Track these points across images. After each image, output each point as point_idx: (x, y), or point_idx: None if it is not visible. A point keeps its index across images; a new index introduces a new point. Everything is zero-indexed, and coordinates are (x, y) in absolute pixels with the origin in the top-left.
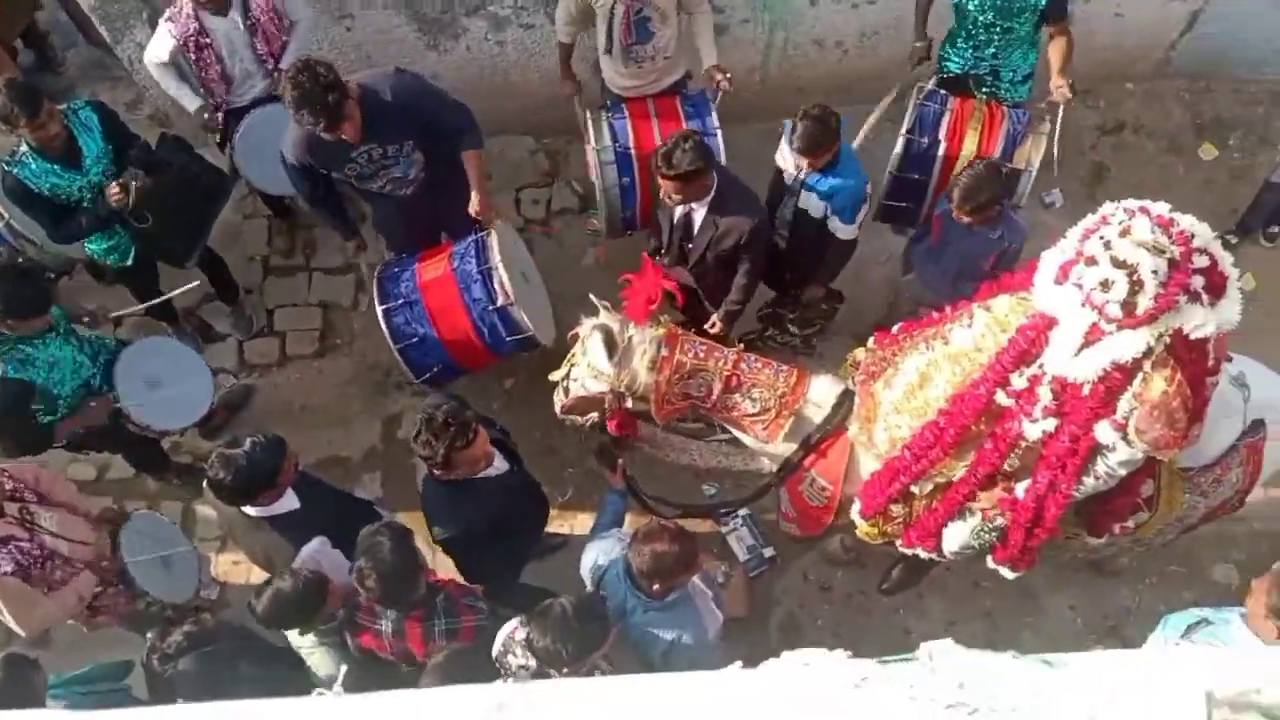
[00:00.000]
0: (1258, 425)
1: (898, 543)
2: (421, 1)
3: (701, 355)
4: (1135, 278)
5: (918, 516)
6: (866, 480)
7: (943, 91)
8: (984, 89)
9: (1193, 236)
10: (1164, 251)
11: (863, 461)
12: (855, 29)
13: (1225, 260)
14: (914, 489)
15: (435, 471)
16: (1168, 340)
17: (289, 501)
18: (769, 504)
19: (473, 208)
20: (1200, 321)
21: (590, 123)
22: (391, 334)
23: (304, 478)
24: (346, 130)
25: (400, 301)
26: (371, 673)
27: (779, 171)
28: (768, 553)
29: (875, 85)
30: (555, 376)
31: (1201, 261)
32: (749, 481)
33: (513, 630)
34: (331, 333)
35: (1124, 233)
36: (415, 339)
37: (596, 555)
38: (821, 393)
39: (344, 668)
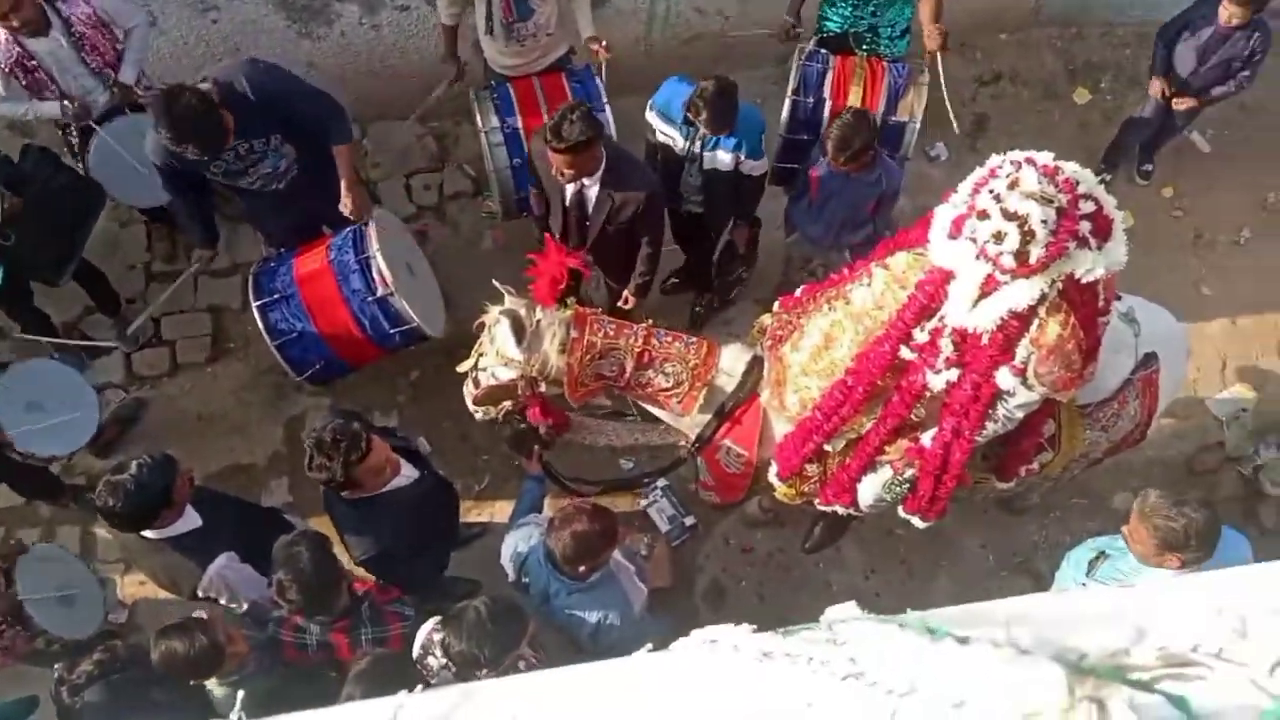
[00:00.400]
0: (1150, 358)
1: (815, 501)
2: None
3: (612, 334)
4: (1026, 228)
5: (832, 474)
6: (780, 443)
7: (823, 51)
8: (864, 46)
9: (1078, 183)
10: (1052, 200)
11: (776, 425)
12: None
13: (1109, 203)
14: (827, 447)
15: (343, 493)
16: (1060, 286)
17: (189, 520)
18: (688, 473)
19: (343, 207)
20: (1090, 265)
21: (476, 104)
22: (268, 330)
23: (204, 493)
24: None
25: (276, 296)
26: (298, 684)
27: (664, 147)
28: (689, 521)
29: (758, 49)
30: (463, 368)
31: (1088, 207)
32: (667, 454)
33: (430, 632)
34: (223, 337)
35: (1012, 185)
36: (293, 335)
37: (516, 543)
38: (732, 361)
39: (240, 693)
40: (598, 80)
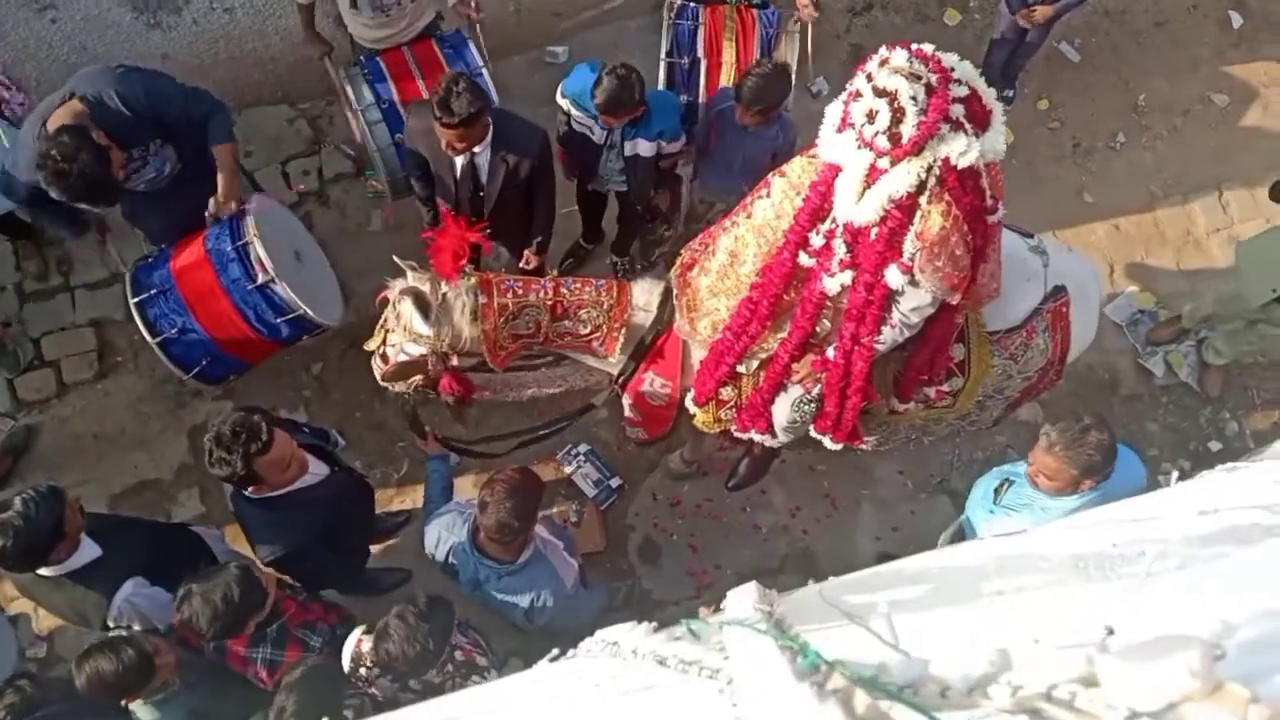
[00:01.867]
0: (1059, 290)
1: (733, 428)
2: None
3: (520, 291)
4: (896, 105)
5: (747, 398)
6: (697, 368)
7: (692, 5)
8: None
9: (951, 68)
10: (920, 77)
11: (694, 353)
12: None
13: (988, 94)
14: (740, 369)
15: (246, 491)
16: (939, 173)
17: (88, 551)
18: (610, 435)
19: (212, 205)
20: (964, 148)
21: (347, 83)
22: (148, 328)
23: (102, 519)
24: None
25: (154, 292)
26: (226, 702)
27: (580, 135)
28: (614, 483)
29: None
30: (370, 346)
31: (960, 91)
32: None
33: (357, 643)
34: (110, 351)
35: (883, 63)
36: (174, 331)
37: (439, 531)
38: (645, 296)
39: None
40: (471, 45)
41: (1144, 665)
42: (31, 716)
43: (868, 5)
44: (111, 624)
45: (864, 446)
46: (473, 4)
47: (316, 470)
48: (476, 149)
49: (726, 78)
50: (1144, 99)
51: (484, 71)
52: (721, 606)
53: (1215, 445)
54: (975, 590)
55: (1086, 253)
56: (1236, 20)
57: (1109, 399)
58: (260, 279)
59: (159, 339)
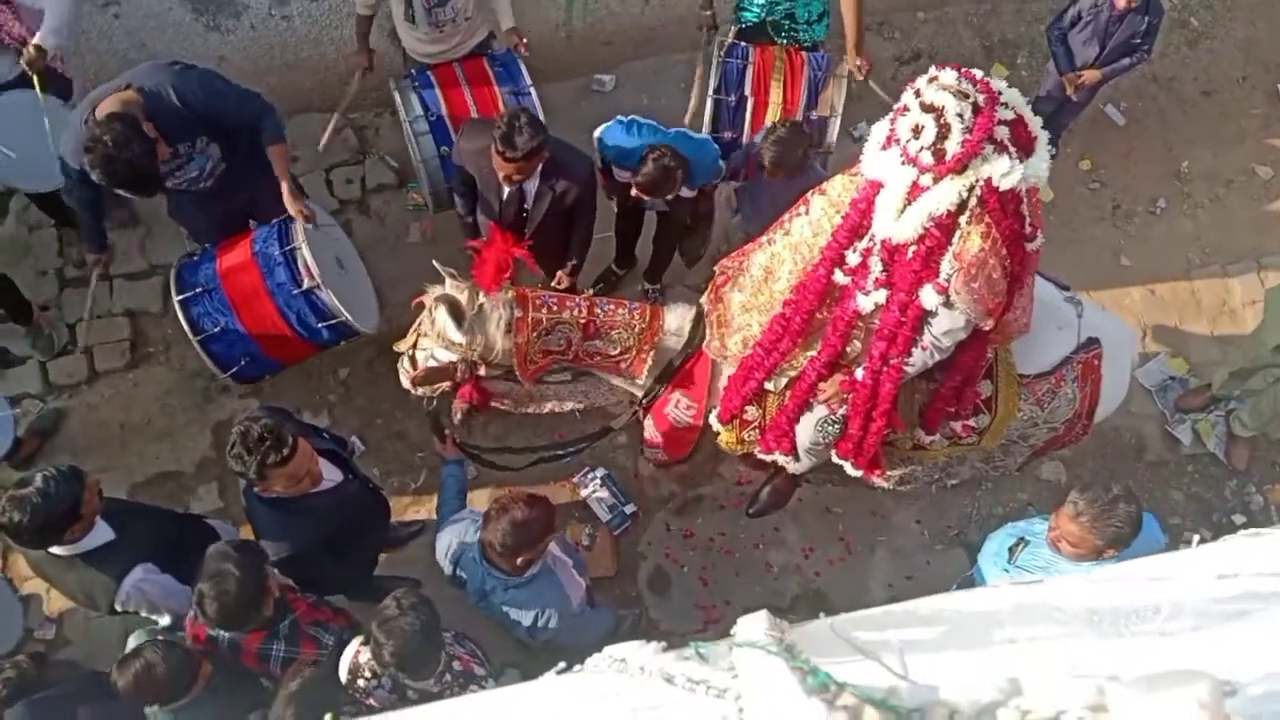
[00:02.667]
0: (1092, 342)
1: (756, 450)
2: None
3: (555, 308)
4: (942, 121)
5: (772, 418)
6: (725, 385)
7: (743, 44)
8: (782, 34)
9: (1000, 92)
10: (968, 96)
11: (721, 377)
12: None
13: (1034, 121)
14: (768, 386)
15: (255, 489)
16: (980, 193)
17: (101, 534)
18: (627, 461)
19: (290, 208)
20: (1006, 169)
21: (397, 94)
22: (190, 326)
23: (117, 504)
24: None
25: (198, 290)
26: (236, 710)
27: (619, 183)
28: (629, 509)
29: (678, 33)
30: (401, 347)
31: (1006, 114)
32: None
33: (355, 654)
34: (143, 342)
35: (931, 80)
36: (217, 330)
37: (451, 539)
38: (678, 321)
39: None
40: (522, 65)
41: (1154, 695)
42: (29, 696)
43: (915, 54)
44: (119, 608)
45: (883, 482)
46: (524, 40)
47: (330, 477)
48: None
49: (772, 116)
50: (1187, 166)
51: (531, 91)
52: (731, 633)
53: (1239, 518)
54: (988, 636)
55: (1120, 315)
56: None
57: (1134, 464)
58: (306, 284)
59: (201, 336)
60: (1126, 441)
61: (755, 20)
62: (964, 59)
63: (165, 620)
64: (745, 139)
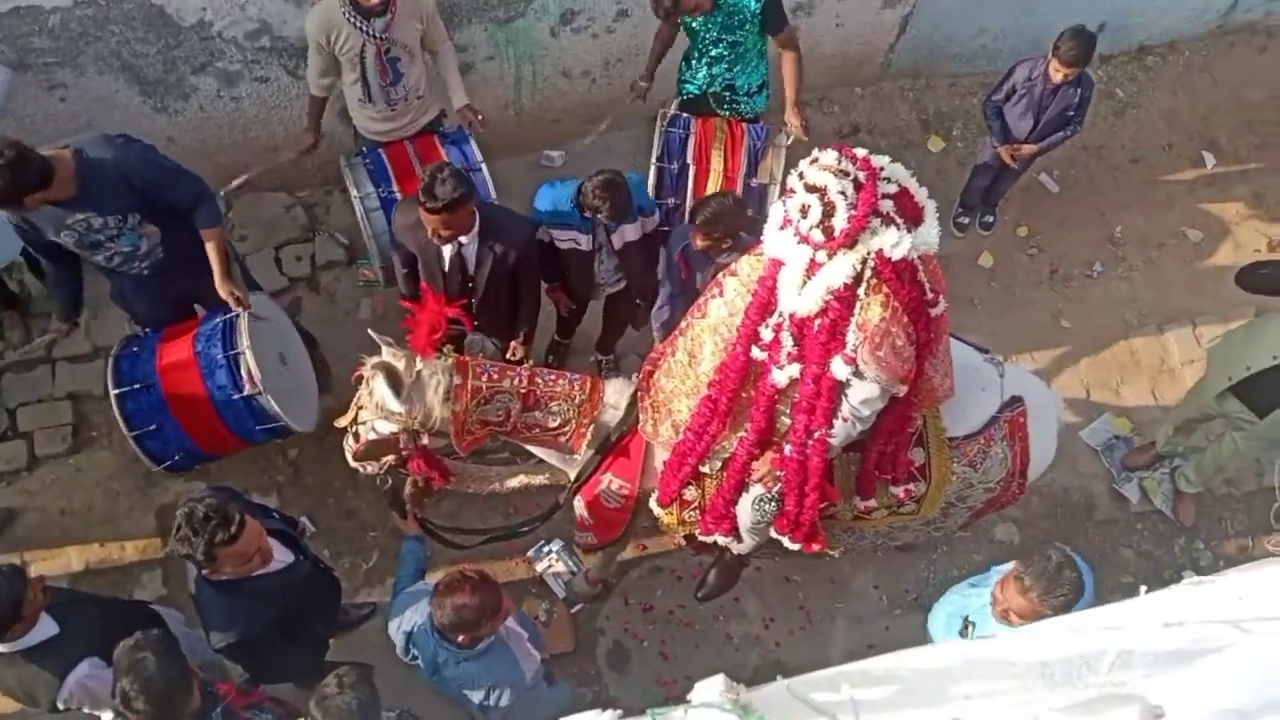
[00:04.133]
0: (1015, 400)
1: (697, 532)
2: (141, 64)
3: (495, 377)
4: (826, 199)
5: (710, 499)
6: (662, 469)
7: (685, 115)
8: (724, 107)
9: (881, 167)
10: (848, 174)
11: (657, 454)
12: (599, 58)
13: (920, 192)
14: (704, 469)
15: (204, 570)
16: (873, 264)
17: (44, 628)
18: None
19: (220, 291)
20: (895, 240)
21: (348, 171)
22: (125, 421)
23: (60, 594)
24: (37, 199)
25: (136, 386)
26: None
27: (571, 252)
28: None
29: (626, 109)
30: (342, 423)
31: (889, 188)
32: (550, 500)
33: None
34: (85, 425)
35: (814, 161)
36: (152, 428)
37: (405, 613)
38: (616, 395)
39: None
40: (473, 142)
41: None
42: None
43: (854, 129)
44: (61, 705)
45: (830, 551)
46: (479, 116)
47: (281, 558)
48: (464, 239)
49: (714, 185)
50: (1120, 231)
51: (482, 167)
52: (688, 698)
53: (1188, 574)
54: (943, 693)
55: (1062, 376)
56: (1209, 160)
57: (1084, 523)
58: (247, 390)
59: (136, 433)
60: (1076, 501)
61: (697, 92)
62: (901, 131)
63: (107, 716)
64: (687, 205)
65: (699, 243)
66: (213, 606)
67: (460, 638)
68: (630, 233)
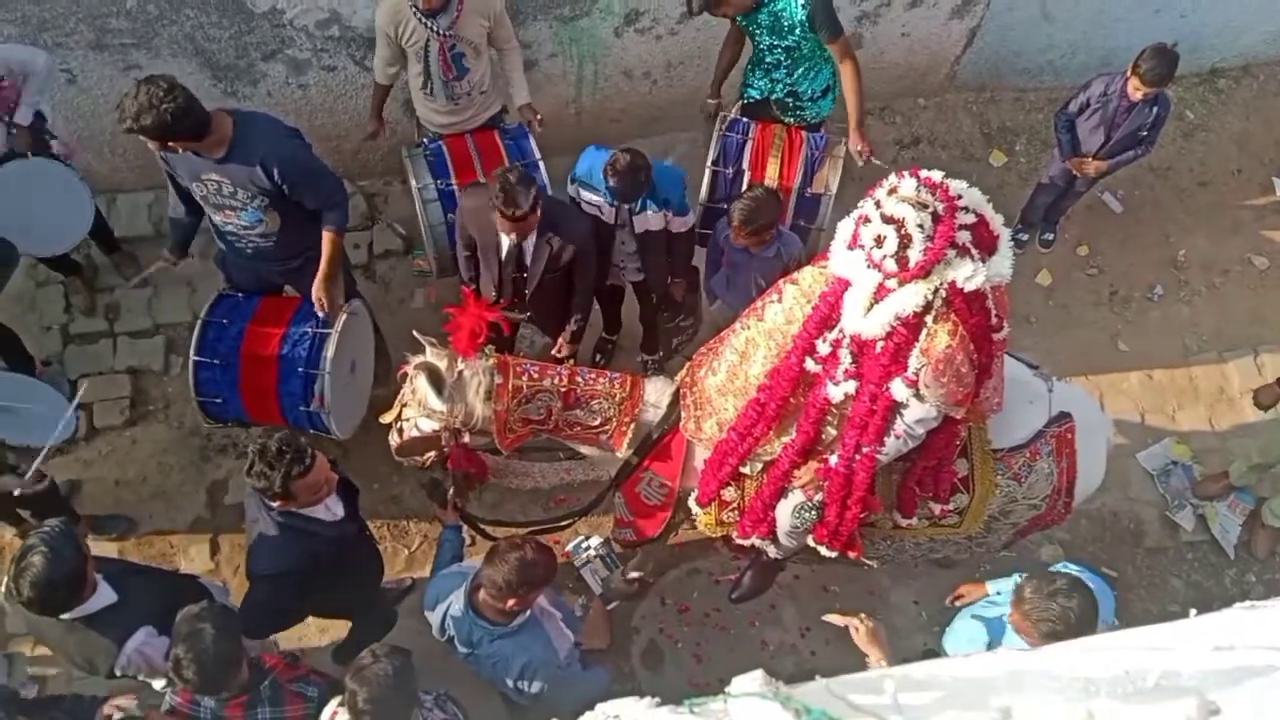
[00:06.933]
0: (1064, 416)
1: (734, 534)
2: (213, 48)
3: (536, 376)
4: (903, 232)
5: (749, 501)
6: (702, 468)
7: (745, 120)
8: (789, 114)
9: (959, 196)
10: (927, 206)
11: (697, 453)
12: (661, 60)
13: (996, 220)
14: (745, 470)
15: (272, 502)
16: (945, 294)
17: (103, 596)
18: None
19: (314, 292)
20: (970, 273)
21: (409, 162)
22: (195, 386)
23: (115, 564)
24: (186, 146)
25: (215, 360)
26: None
27: (592, 219)
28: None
29: (686, 111)
30: (386, 419)
31: (967, 218)
32: (592, 495)
33: (332, 714)
34: (143, 400)
35: (891, 191)
36: (218, 400)
37: (438, 593)
38: (657, 394)
39: None
40: (531, 139)
41: (1140, 708)
42: None
43: (915, 139)
44: (119, 672)
45: (868, 561)
46: (538, 117)
47: (335, 510)
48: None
49: None
50: (1184, 254)
51: (540, 164)
52: (726, 690)
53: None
54: (984, 702)
55: (1117, 399)
56: (1279, 186)
57: (1133, 549)
58: (313, 406)
59: (200, 399)
60: (1125, 526)
61: (759, 97)
62: (963, 145)
63: (160, 684)
64: None
65: (739, 240)
66: (268, 538)
67: (510, 601)
68: (653, 221)
